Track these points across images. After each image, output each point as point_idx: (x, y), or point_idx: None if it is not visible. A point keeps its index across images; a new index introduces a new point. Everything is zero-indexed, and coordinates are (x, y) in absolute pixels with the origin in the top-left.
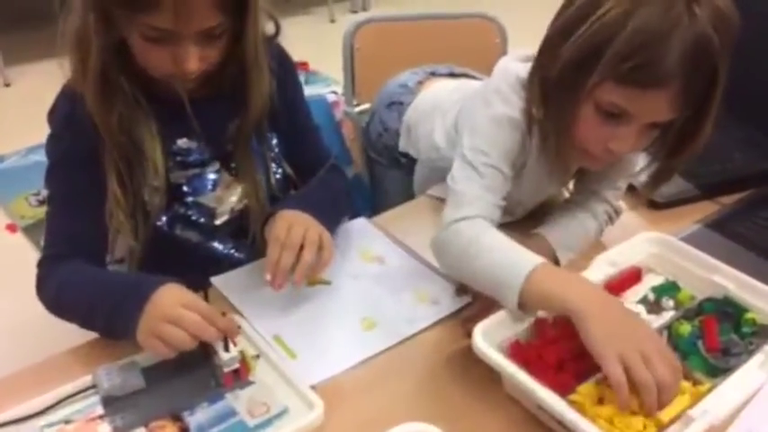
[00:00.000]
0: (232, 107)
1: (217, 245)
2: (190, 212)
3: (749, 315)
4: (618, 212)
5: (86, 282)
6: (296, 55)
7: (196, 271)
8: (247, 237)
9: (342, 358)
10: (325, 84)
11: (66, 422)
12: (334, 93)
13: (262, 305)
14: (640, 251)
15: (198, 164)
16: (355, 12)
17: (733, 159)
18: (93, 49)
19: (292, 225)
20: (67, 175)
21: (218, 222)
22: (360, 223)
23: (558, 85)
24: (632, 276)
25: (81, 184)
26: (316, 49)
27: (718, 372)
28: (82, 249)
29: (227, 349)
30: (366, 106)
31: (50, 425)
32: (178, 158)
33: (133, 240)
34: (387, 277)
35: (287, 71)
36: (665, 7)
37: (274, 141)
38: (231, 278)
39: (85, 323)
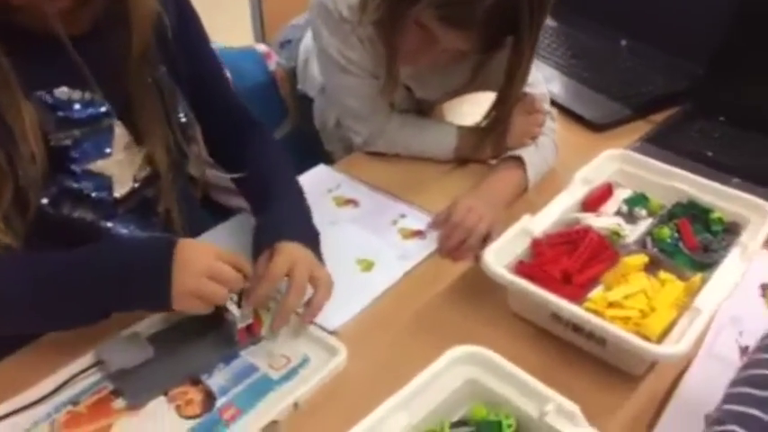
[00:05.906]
0: (119, 45)
1: (117, 226)
2: (79, 185)
3: (715, 215)
4: (553, 119)
5: (49, 269)
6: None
7: None
8: (156, 214)
9: (350, 302)
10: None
11: (74, 404)
12: (265, 44)
13: None
14: (608, 168)
15: (87, 120)
16: None
17: (656, 82)
18: None
19: (295, 264)
20: None
21: (117, 195)
22: (322, 170)
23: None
24: (606, 192)
25: None
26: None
27: (704, 267)
28: None
29: (239, 305)
30: None
31: (57, 409)
32: (59, 114)
33: (14, 240)
34: (367, 218)
35: (185, 13)
36: None
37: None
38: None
39: (51, 318)
